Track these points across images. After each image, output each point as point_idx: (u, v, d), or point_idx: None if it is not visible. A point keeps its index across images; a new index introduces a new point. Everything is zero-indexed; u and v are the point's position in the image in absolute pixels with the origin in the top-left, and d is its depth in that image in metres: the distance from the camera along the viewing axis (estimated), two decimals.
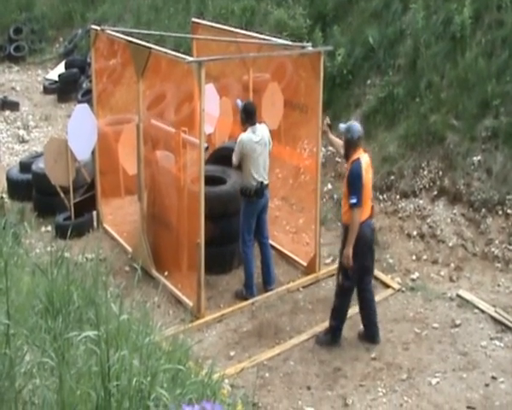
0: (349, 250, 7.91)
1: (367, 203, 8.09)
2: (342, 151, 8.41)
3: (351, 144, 8.03)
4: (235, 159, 9.27)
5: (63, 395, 2.77)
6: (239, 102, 9.96)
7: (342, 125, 8.28)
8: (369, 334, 8.38)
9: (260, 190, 9.26)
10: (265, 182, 9.37)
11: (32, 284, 4.16)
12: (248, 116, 9.28)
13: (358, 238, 7.93)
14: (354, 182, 7.91)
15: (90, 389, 2.86)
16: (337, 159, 11.85)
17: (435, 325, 8.66)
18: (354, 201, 7.85)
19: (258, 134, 9.26)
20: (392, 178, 11.04)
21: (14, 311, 3.33)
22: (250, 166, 9.22)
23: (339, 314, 8.33)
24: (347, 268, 8.03)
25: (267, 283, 9.64)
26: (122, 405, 2.77)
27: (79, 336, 3.22)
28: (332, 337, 8.37)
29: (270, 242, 10.07)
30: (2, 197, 4.94)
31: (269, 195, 9.68)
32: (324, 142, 10.79)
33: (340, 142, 8.65)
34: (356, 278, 8.16)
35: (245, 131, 9.25)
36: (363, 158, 8.03)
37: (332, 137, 8.94)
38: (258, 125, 9.33)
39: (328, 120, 9.00)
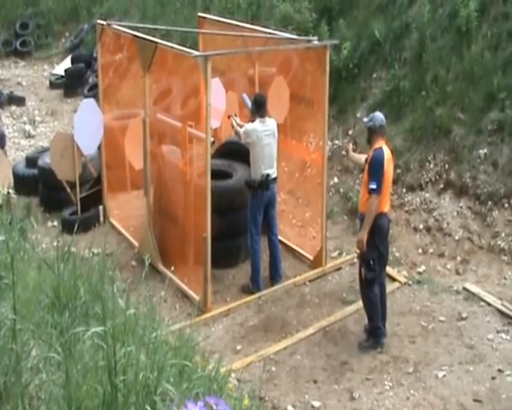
0: (364, 235, 7.92)
1: (387, 195, 8.13)
2: (363, 164, 8.50)
3: (373, 132, 8.12)
4: (242, 139, 9.39)
5: (70, 390, 2.77)
6: (245, 97, 9.96)
7: (365, 119, 8.47)
8: None
9: (265, 182, 9.21)
10: (272, 175, 9.32)
11: (39, 279, 4.16)
12: (258, 107, 9.31)
13: (378, 229, 7.98)
14: (375, 168, 7.92)
15: (97, 383, 2.86)
16: (343, 153, 11.84)
17: (442, 318, 8.66)
18: (374, 186, 7.85)
19: (267, 125, 9.30)
20: (399, 171, 11.01)
21: (21, 306, 3.33)
22: (256, 157, 9.24)
23: (374, 312, 8.24)
24: (366, 258, 8.04)
25: (274, 279, 9.63)
26: (129, 400, 2.77)
27: (86, 332, 3.23)
28: (376, 340, 8.23)
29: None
30: (8, 192, 4.94)
31: (276, 189, 9.62)
32: (330, 135, 10.77)
33: (359, 156, 8.84)
34: (377, 268, 8.15)
35: (253, 121, 9.31)
36: (386, 148, 8.08)
37: (352, 154, 9.17)
38: (267, 118, 9.38)
39: (351, 146, 9.30)
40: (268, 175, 9.23)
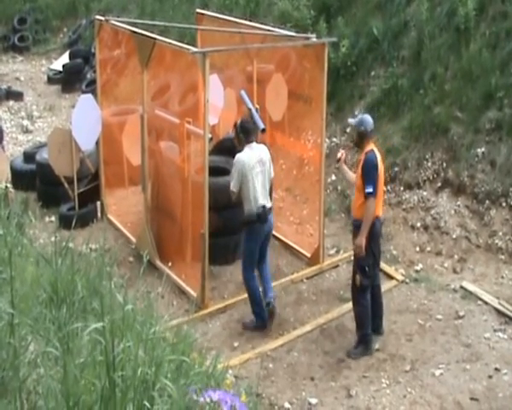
0: (362, 240, 7.79)
1: (381, 198, 8.07)
2: (353, 182, 8.38)
3: (364, 137, 8.00)
4: (233, 185, 8.43)
5: (67, 385, 2.76)
6: (243, 94, 9.94)
7: (351, 120, 8.35)
8: (373, 326, 8.36)
9: (263, 214, 8.45)
10: (268, 205, 8.58)
11: (37, 274, 4.15)
12: (246, 134, 8.50)
13: (373, 233, 7.88)
14: (370, 171, 7.84)
15: (95, 379, 2.86)
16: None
17: (439, 316, 8.67)
18: (370, 190, 7.75)
19: (256, 152, 8.52)
20: (396, 169, 11.03)
21: (19, 301, 3.32)
22: (249, 189, 8.42)
23: (364, 320, 8.13)
24: (362, 264, 7.93)
25: (267, 295, 8.71)
26: (127, 395, 2.77)
27: (84, 327, 3.22)
28: (365, 347, 8.11)
29: (274, 233, 10.05)
30: (6, 187, 4.93)
31: (273, 220, 8.85)
32: (328, 133, 10.77)
33: (351, 174, 8.60)
34: (372, 274, 8.07)
35: (241, 150, 8.51)
36: (376, 151, 8.00)
37: (346, 168, 8.78)
38: (255, 143, 8.59)
39: (343, 152, 8.78)
40: (264, 206, 8.48)
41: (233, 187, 8.45)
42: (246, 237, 8.75)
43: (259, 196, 8.46)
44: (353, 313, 8.33)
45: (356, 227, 8.07)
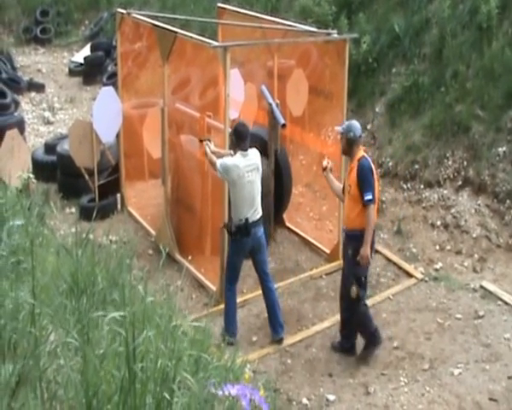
0: (367, 250, 7.52)
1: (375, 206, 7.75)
2: (338, 193, 8.19)
3: (353, 142, 7.70)
4: (220, 170, 8.01)
5: (87, 376, 2.76)
6: (264, 89, 9.92)
7: (339, 128, 7.98)
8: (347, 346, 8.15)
9: (244, 227, 7.99)
10: (254, 217, 8.05)
11: (57, 264, 4.16)
12: (239, 139, 8.06)
13: (373, 242, 7.68)
14: (367, 177, 7.55)
15: (115, 370, 2.86)
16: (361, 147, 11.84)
17: (458, 315, 8.61)
18: (370, 197, 7.47)
19: (250, 159, 8.07)
20: (417, 167, 10.97)
21: (39, 291, 3.33)
22: (236, 197, 8.05)
23: (368, 321, 7.93)
24: (359, 274, 7.68)
25: (275, 330, 8.35)
26: (147, 386, 2.76)
27: (106, 317, 3.22)
28: (374, 342, 7.93)
29: (293, 228, 10.02)
30: (29, 177, 4.94)
31: (261, 232, 8.20)
32: None
33: (338, 184, 8.26)
34: (367, 284, 7.86)
35: (233, 155, 8.14)
36: (368, 157, 7.79)
37: (332, 177, 8.26)
38: (249, 150, 8.12)
39: (329, 161, 8.27)
40: (247, 219, 7.99)
41: (218, 172, 8.06)
42: (229, 248, 8.44)
43: (244, 208, 8.00)
44: (340, 318, 8.16)
45: (351, 238, 7.75)
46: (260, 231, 8.16)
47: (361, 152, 7.75)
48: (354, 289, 7.68)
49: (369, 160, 7.74)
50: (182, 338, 3.59)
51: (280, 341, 8.29)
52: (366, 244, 7.53)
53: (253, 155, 8.16)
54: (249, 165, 8.01)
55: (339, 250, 9.86)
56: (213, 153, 8.35)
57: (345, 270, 8.05)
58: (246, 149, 8.03)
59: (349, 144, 7.76)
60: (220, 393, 2.48)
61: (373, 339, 7.97)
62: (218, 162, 8.02)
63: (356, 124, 7.88)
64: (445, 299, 8.99)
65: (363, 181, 7.57)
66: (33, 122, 15.93)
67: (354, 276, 7.72)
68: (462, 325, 8.45)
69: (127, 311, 2.95)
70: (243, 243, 8.13)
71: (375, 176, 7.75)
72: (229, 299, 8.31)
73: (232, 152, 8.23)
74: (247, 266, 9.30)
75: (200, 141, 8.80)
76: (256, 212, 8.07)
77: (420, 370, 7.67)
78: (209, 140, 8.55)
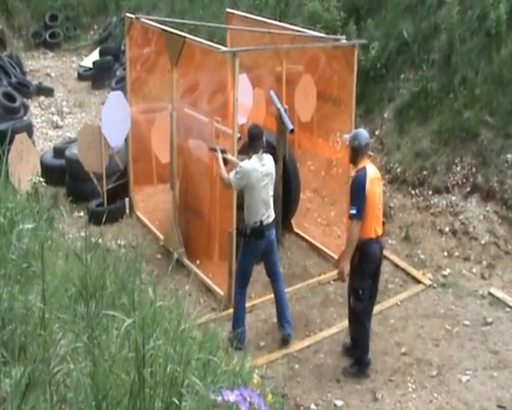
0: (344, 266, 7.50)
1: (374, 218, 7.55)
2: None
3: (358, 151, 7.62)
4: (235, 184, 8.16)
5: (96, 380, 2.77)
6: (272, 94, 9.92)
7: (346, 136, 7.93)
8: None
9: (259, 230, 8.12)
10: (268, 220, 8.18)
11: (66, 268, 4.17)
12: (253, 141, 8.19)
13: (366, 256, 7.52)
14: (355, 191, 7.49)
15: (124, 374, 2.86)
16: (370, 153, 11.83)
17: (466, 322, 8.60)
18: (353, 211, 7.39)
19: (265, 164, 8.17)
20: (425, 173, 10.96)
21: (49, 294, 3.33)
22: (253, 201, 8.12)
23: (360, 343, 7.87)
24: (355, 287, 7.61)
25: (282, 327, 8.42)
26: (156, 391, 2.77)
27: (114, 322, 3.23)
28: (359, 369, 7.84)
29: (301, 233, 10.01)
30: (39, 180, 4.95)
31: (273, 235, 8.36)
32: None
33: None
34: (367, 297, 7.70)
35: (249, 158, 8.20)
36: (370, 168, 7.62)
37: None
38: (264, 155, 8.23)
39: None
40: (261, 222, 8.12)
41: (233, 184, 8.16)
42: (241, 251, 8.41)
43: (259, 211, 8.11)
44: (349, 330, 8.13)
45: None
46: (273, 233, 8.31)
47: (364, 162, 7.62)
48: (351, 301, 7.72)
49: (368, 172, 7.52)
50: (190, 343, 3.60)
51: (286, 337, 8.33)
52: (344, 259, 7.54)
53: (268, 160, 8.24)
54: (265, 170, 8.11)
55: None
56: (227, 162, 8.45)
57: None
58: (260, 152, 8.13)
59: (354, 153, 7.69)
60: (219, 399, 2.47)
61: (359, 364, 7.86)
62: (235, 170, 8.11)
63: (362, 133, 7.83)
64: (453, 305, 8.98)
65: (352, 194, 7.59)
66: (42, 126, 15.97)
67: (351, 287, 7.72)
68: (471, 331, 8.43)
69: (136, 315, 2.96)
70: (257, 246, 8.21)
71: (375, 191, 7.53)
72: (239, 303, 8.32)
73: (243, 158, 8.29)
74: (256, 272, 9.31)
75: (210, 149, 8.88)
76: (270, 215, 8.20)
77: (428, 376, 7.65)
78: (222, 150, 8.58)
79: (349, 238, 7.49)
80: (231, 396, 2.38)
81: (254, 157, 8.11)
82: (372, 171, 7.62)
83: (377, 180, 7.68)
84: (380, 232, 7.63)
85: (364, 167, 7.58)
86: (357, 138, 7.64)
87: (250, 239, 8.16)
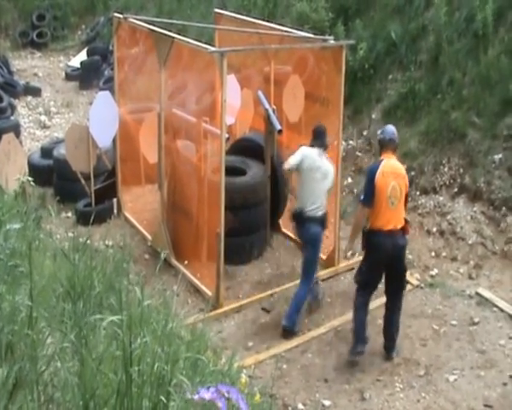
0: (348, 244, 8.18)
1: (382, 211, 7.64)
2: None
3: (382, 144, 7.99)
4: (289, 165, 8.63)
5: (84, 379, 2.77)
6: (260, 94, 9.93)
7: (379, 131, 8.36)
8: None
9: (299, 216, 8.54)
10: (309, 213, 8.42)
11: (54, 268, 4.16)
12: (317, 138, 8.67)
13: (371, 245, 7.67)
14: (366, 181, 7.95)
15: (111, 373, 2.86)
16: (357, 153, 11.85)
17: (453, 322, 8.63)
18: (362, 197, 7.94)
19: (322, 160, 8.59)
20: (413, 174, 10.97)
21: (36, 294, 3.33)
22: (299, 188, 8.70)
23: (353, 318, 7.98)
24: (360, 264, 8.00)
25: (283, 317, 8.62)
26: (143, 390, 2.76)
27: (101, 321, 3.23)
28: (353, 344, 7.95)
29: (289, 234, 10.03)
30: (28, 180, 4.94)
31: (314, 230, 8.48)
32: (345, 136, 10.73)
33: None
34: (369, 291, 7.85)
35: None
36: (388, 162, 7.76)
37: None
38: (325, 157, 8.68)
39: None
40: (302, 211, 8.49)
41: (288, 165, 8.68)
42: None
43: (303, 200, 8.52)
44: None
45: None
46: (313, 227, 8.47)
47: (385, 155, 7.87)
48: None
49: (381, 165, 7.71)
50: (178, 342, 3.60)
51: (283, 328, 8.47)
52: (349, 240, 8.17)
53: (327, 161, 8.68)
54: (320, 165, 8.52)
55: (335, 256, 9.88)
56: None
57: None
58: (322, 149, 8.61)
59: (379, 145, 8.11)
60: (196, 397, 2.46)
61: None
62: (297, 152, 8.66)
63: (390, 128, 8.10)
64: (440, 305, 9.00)
65: (365, 183, 7.99)
66: (29, 126, 15.92)
67: (355, 276, 8.13)
68: (458, 331, 8.46)
69: (124, 315, 2.96)
70: (299, 230, 8.71)
71: (385, 181, 7.64)
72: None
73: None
74: (243, 272, 9.34)
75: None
76: (314, 209, 8.44)
77: (415, 376, 7.67)
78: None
79: (354, 220, 8.07)
80: (207, 394, 2.36)
81: (316, 149, 8.55)
82: (389, 165, 7.79)
83: (393, 175, 7.76)
84: (391, 227, 7.63)
85: (381, 160, 7.84)
86: (383, 132, 8.02)
87: (293, 223, 8.79)
